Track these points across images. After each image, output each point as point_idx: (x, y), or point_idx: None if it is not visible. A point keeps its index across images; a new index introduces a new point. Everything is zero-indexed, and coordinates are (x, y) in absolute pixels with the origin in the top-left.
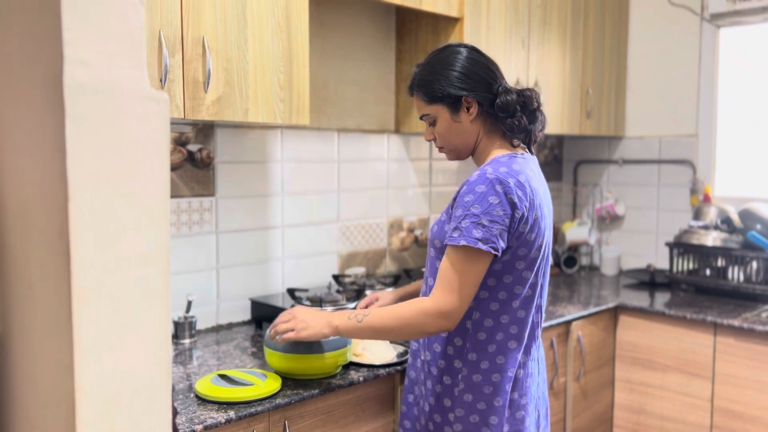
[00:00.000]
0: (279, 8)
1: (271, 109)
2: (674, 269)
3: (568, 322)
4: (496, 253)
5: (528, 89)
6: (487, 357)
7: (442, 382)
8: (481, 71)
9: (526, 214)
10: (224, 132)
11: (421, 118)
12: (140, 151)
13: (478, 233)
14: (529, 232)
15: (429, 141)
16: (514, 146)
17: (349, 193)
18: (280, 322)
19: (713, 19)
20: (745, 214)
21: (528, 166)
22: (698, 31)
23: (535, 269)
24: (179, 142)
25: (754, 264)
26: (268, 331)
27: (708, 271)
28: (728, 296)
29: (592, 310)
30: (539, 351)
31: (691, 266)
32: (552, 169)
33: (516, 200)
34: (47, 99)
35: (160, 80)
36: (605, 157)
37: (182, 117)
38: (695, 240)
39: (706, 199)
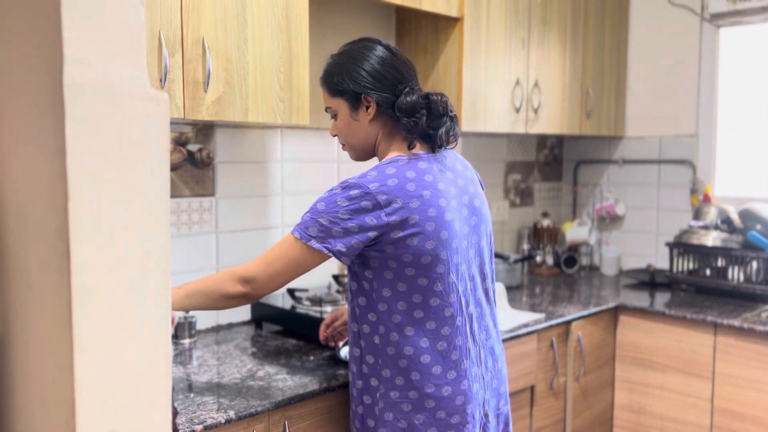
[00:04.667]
0: (279, 8)
1: (271, 109)
2: (674, 269)
3: (568, 322)
4: (331, 254)
5: (437, 94)
6: (400, 373)
7: (363, 402)
8: (388, 71)
9: (389, 219)
10: (224, 132)
11: (326, 110)
12: (140, 151)
13: (313, 230)
14: (410, 237)
15: (333, 136)
16: (410, 149)
17: None
18: None
19: (713, 19)
20: (745, 214)
21: (412, 168)
22: (698, 31)
23: (436, 276)
24: (179, 142)
25: (754, 264)
26: None
27: (708, 271)
28: (728, 296)
29: (592, 310)
30: (485, 366)
31: (691, 266)
32: (552, 169)
33: (370, 206)
34: (47, 99)
35: (160, 80)
36: (605, 157)
37: (182, 117)
38: (695, 240)
39: (706, 199)
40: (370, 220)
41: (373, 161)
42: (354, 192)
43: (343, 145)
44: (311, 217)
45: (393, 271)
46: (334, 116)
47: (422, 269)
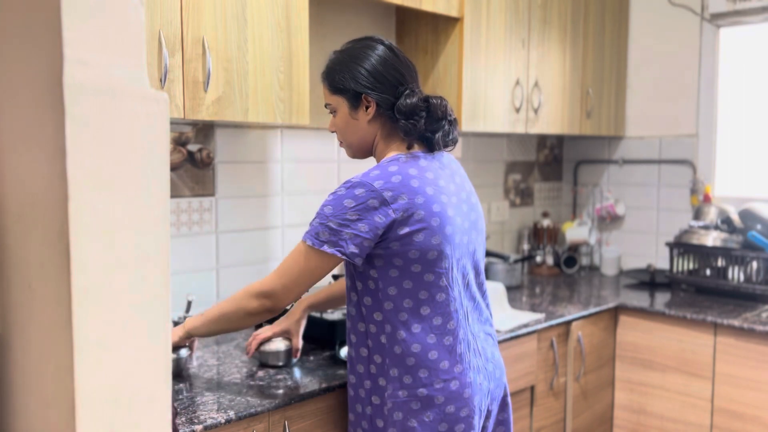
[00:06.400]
0: (279, 8)
1: (271, 109)
2: (674, 269)
3: (568, 322)
4: (345, 257)
5: (436, 97)
6: (408, 371)
7: (372, 403)
8: (389, 72)
9: (396, 215)
10: (224, 132)
11: (325, 107)
12: (140, 151)
13: (324, 235)
14: (416, 232)
15: (332, 132)
16: (409, 150)
17: None
18: None
19: (713, 19)
20: (745, 214)
21: (414, 165)
22: (698, 31)
23: (441, 271)
24: (179, 142)
25: (754, 264)
26: None
27: (708, 271)
28: (728, 296)
29: (592, 310)
30: (485, 357)
31: (691, 266)
32: (552, 169)
33: (377, 204)
34: (47, 99)
35: (160, 80)
36: (605, 157)
37: (182, 117)
38: (695, 240)
39: (706, 199)
40: (378, 218)
41: (371, 160)
42: (359, 191)
43: (341, 142)
44: (320, 223)
45: (399, 268)
46: (333, 113)
47: (428, 265)
